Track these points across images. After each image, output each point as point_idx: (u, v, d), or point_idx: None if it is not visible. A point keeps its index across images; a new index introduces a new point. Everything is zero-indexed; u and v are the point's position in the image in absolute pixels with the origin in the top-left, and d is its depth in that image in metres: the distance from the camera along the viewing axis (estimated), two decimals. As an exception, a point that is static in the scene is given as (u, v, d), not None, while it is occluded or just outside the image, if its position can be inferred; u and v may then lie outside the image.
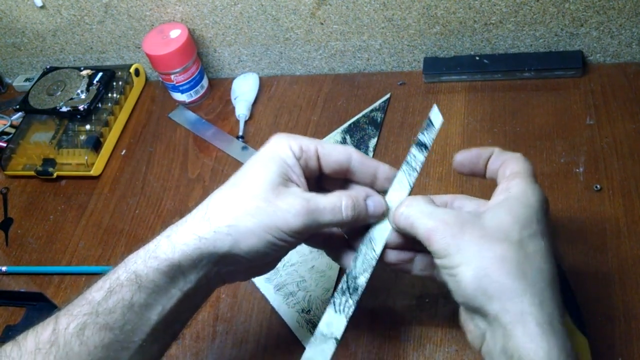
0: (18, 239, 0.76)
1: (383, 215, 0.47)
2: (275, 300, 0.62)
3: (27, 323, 0.66)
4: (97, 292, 0.42)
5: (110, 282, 0.42)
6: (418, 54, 0.80)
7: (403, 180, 0.48)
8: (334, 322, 0.45)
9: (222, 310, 0.62)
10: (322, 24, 0.79)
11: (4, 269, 0.72)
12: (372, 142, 0.74)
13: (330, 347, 0.44)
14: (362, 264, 0.46)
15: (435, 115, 0.51)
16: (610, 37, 0.73)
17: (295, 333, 0.59)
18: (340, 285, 0.46)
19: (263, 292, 0.63)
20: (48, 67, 0.89)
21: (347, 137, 0.75)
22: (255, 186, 0.44)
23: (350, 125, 0.76)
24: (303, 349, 0.57)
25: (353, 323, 0.58)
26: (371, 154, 0.72)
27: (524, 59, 0.75)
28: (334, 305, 0.45)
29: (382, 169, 0.49)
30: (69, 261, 0.71)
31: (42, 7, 0.86)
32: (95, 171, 0.80)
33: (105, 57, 0.91)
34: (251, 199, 0.43)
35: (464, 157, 0.47)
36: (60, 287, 0.69)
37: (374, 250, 0.46)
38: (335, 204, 0.44)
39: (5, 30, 0.91)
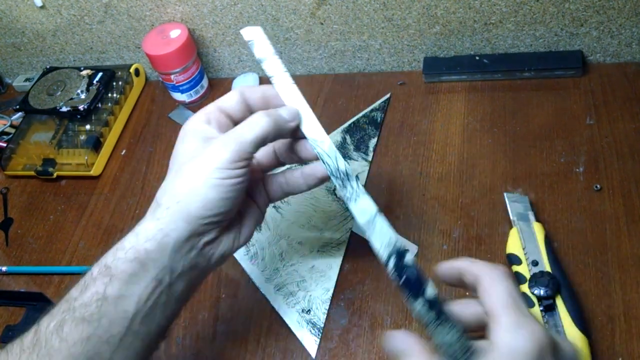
0: (18, 239, 0.76)
1: (298, 118, 0.49)
2: (275, 300, 0.62)
3: (27, 323, 0.66)
4: (74, 290, 0.43)
5: (85, 279, 0.43)
6: (418, 53, 0.80)
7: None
8: (361, 207, 0.46)
9: (222, 310, 0.62)
10: (322, 24, 0.79)
11: (4, 269, 0.72)
12: (372, 142, 0.74)
13: (382, 221, 0.45)
14: (329, 157, 0.48)
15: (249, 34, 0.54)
16: (610, 37, 0.73)
17: (295, 333, 0.59)
18: (336, 188, 0.48)
19: (263, 292, 0.63)
20: (48, 67, 0.89)
21: (347, 137, 0.75)
22: (183, 158, 0.47)
23: (350, 125, 0.76)
24: (303, 349, 0.57)
25: (353, 323, 0.58)
26: (371, 154, 0.72)
27: (524, 59, 0.75)
28: (349, 200, 0.47)
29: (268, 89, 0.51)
30: (69, 261, 0.71)
31: (42, 7, 0.86)
32: (95, 171, 0.80)
33: (105, 57, 0.91)
34: (185, 166, 0.46)
35: (443, 275, 0.42)
36: (60, 287, 0.69)
37: (323, 142, 0.49)
38: (251, 119, 0.47)
39: (5, 30, 0.91)
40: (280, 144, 0.53)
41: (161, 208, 0.45)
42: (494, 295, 0.37)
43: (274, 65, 0.52)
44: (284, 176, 0.52)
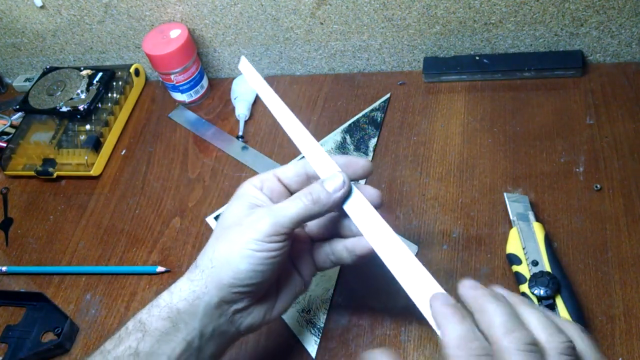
0: (18, 239, 0.76)
1: (344, 186, 0.47)
2: (275, 300, 0.62)
3: (27, 323, 0.66)
4: (109, 342, 0.44)
5: (120, 332, 0.44)
6: (418, 53, 0.80)
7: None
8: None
9: (222, 310, 0.62)
10: (322, 24, 0.79)
11: (4, 269, 0.72)
12: (372, 142, 0.74)
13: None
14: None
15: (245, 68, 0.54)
16: (610, 36, 0.73)
17: (295, 333, 0.59)
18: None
19: (263, 292, 0.63)
20: (48, 67, 0.89)
21: (347, 137, 0.75)
22: (227, 222, 0.47)
23: (350, 125, 0.76)
24: (303, 349, 0.57)
25: (353, 323, 0.58)
26: (371, 153, 0.72)
27: (524, 59, 0.75)
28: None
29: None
30: (69, 261, 0.71)
31: (42, 7, 0.86)
32: (95, 171, 0.80)
33: (105, 57, 0.91)
34: (225, 232, 0.46)
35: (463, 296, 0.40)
36: (60, 287, 0.69)
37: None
38: (294, 196, 0.46)
39: (5, 30, 0.91)
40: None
41: (197, 270, 0.45)
42: (497, 331, 0.36)
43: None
44: (330, 247, 0.51)
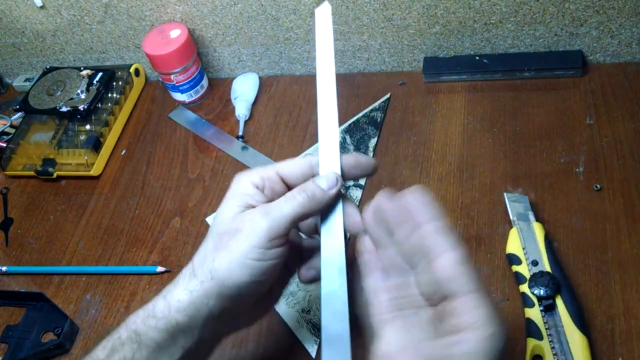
0: (18, 239, 0.76)
1: (338, 183, 0.45)
2: (275, 300, 0.62)
3: (27, 323, 0.66)
4: (101, 351, 0.43)
5: (113, 342, 0.43)
6: (418, 53, 0.80)
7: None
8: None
9: (222, 310, 0.62)
10: (322, 23, 0.79)
11: (4, 269, 0.72)
12: (372, 142, 0.74)
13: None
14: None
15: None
16: (610, 36, 0.73)
17: (295, 333, 0.59)
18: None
19: (263, 292, 0.63)
20: (48, 67, 0.89)
21: (347, 137, 0.75)
22: (222, 227, 0.44)
23: (350, 125, 0.76)
24: (303, 348, 0.57)
25: (353, 323, 0.58)
26: (371, 154, 0.72)
27: (524, 59, 0.75)
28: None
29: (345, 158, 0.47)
30: (69, 261, 0.71)
31: (42, 7, 0.86)
32: (95, 171, 0.80)
33: (105, 57, 0.91)
34: (223, 239, 0.43)
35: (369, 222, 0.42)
36: (60, 287, 0.69)
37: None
38: (288, 195, 0.44)
39: (5, 30, 0.91)
40: None
41: (196, 280, 0.43)
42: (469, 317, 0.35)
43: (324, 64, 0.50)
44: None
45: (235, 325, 0.47)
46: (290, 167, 0.46)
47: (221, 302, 0.43)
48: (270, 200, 0.45)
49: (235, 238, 0.43)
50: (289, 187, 0.46)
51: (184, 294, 0.43)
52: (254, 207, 0.44)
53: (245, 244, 0.42)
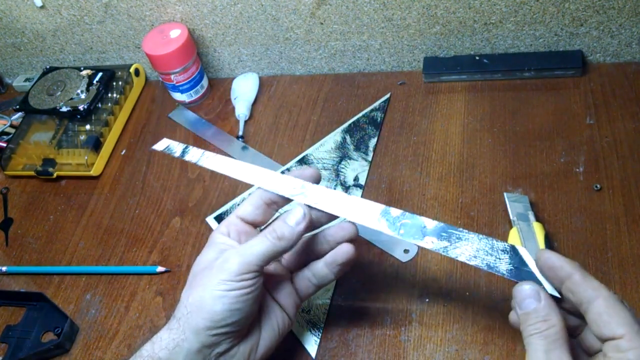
0: (18, 239, 0.76)
1: (305, 218, 0.48)
2: (275, 300, 0.62)
3: (27, 323, 0.66)
4: None
5: None
6: (418, 53, 0.80)
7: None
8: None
9: (222, 310, 0.62)
10: (322, 23, 0.79)
11: (4, 269, 0.72)
12: (372, 142, 0.74)
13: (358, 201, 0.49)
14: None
15: None
16: (610, 36, 0.73)
17: (295, 333, 0.59)
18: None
19: (263, 292, 0.63)
20: (48, 67, 0.89)
21: (347, 137, 0.75)
22: (198, 269, 0.48)
23: (350, 125, 0.76)
24: (303, 349, 0.57)
25: (353, 323, 0.58)
26: (371, 153, 0.72)
27: (524, 59, 0.75)
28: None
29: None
30: (69, 261, 0.71)
31: (42, 7, 0.86)
32: (95, 171, 0.80)
33: (105, 57, 0.91)
34: (197, 278, 0.47)
35: (543, 267, 0.41)
36: (60, 287, 0.69)
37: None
38: (260, 235, 0.47)
39: (5, 30, 0.91)
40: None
41: (174, 319, 0.46)
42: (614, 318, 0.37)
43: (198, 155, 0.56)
44: (309, 270, 0.52)
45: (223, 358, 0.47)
46: (246, 208, 0.51)
47: (198, 336, 0.45)
48: (240, 241, 0.49)
49: (207, 274, 0.46)
50: (253, 225, 0.51)
51: (165, 333, 0.46)
52: (227, 250, 0.48)
53: (215, 278, 0.45)
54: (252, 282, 0.45)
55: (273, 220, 0.50)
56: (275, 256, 0.47)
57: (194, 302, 0.45)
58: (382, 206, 0.48)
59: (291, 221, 0.47)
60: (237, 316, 0.45)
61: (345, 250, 0.50)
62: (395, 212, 0.47)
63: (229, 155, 0.78)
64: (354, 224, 0.50)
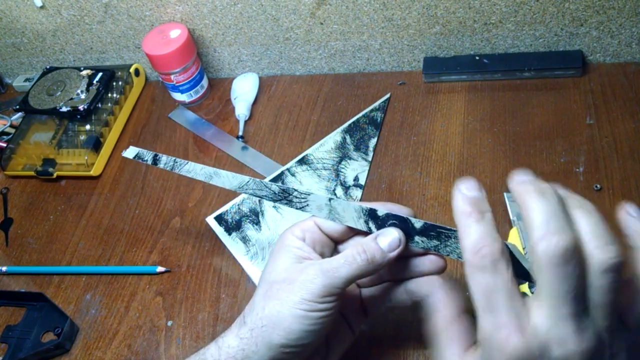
0: (18, 239, 0.76)
1: (400, 245, 0.44)
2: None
3: (27, 323, 0.66)
4: None
5: None
6: (418, 53, 0.80)
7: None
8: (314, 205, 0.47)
9: (222, 310, 0.62)
10: (322, 24, 0.79)
11: (4, 269, 0.72)
12: (372, 142, 0.74)
13: (337, 202, 0.46)
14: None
15: None
16: (610, 36, 0.73)
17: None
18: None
19: (263, 292, 0.62)
20: (48, 67, 0.89)
21: (347, 137, 0.75)
22: (274, 277, 0.45)
23: (350, 125, 0.76)
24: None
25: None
26: (371, 153, 0.72)
27: (524, 59, 0.75)
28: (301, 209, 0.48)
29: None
30: (69, 261, 0.71)
31: (42, 7, 0.86)
32: (95, 171, 0.80)
33: (105, 57, 0.91)
34: (274, 288, 0.44)
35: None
36: (60, 287, 0.69)
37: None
38: (348, 254, 0.44)
39: (5, 30, 0.91)
40: None
41: (246, 327, 0.44)
42: None
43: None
44: (384, 291, 0.48)
45: None
46: (327, 220, 0.47)
47: (270, 351, 0.43)
48: (315, 249, 0.46)
49: (287, 288, 0.43)
50: (327, 235, 0.47)
51: (234, 340, 0.44)
52: (304, 258, 0.45)
53: (297, 295, 0.42)
54: (333, 305, 0.43)
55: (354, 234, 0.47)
56: (360, 278, 0.44)
57: (271, 315, 0.43)
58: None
59: (383, 243, 0.43)
60: (313, 337, 0.43)
61: (432, 284, 0.45)
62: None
63: (229, 155, 0.78)
64: (443, 258, 0.46)
